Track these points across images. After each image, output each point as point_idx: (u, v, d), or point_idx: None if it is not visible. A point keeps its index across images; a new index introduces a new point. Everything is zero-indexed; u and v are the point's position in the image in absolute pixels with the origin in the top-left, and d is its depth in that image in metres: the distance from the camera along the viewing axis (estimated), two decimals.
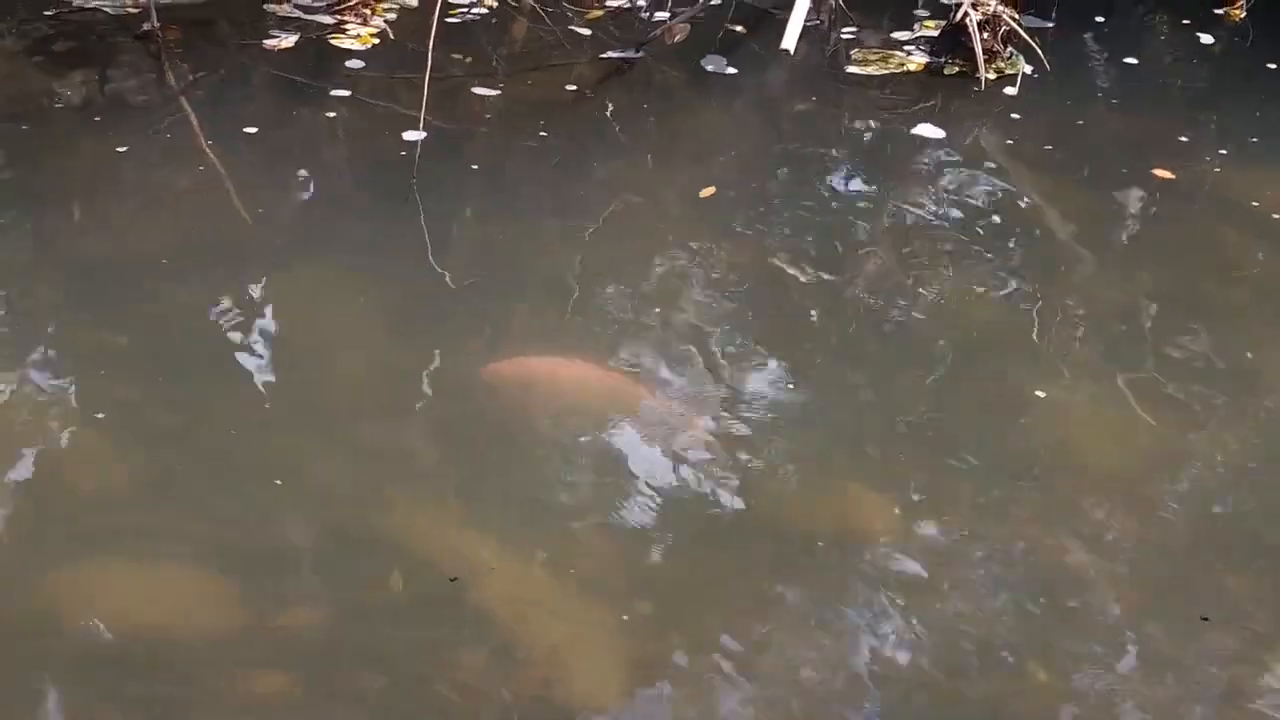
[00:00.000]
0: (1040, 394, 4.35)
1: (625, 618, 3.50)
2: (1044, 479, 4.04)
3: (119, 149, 5.60)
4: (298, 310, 4.73)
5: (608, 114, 6.08)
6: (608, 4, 7.10)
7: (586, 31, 6.85)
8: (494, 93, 6.22)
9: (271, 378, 4.37)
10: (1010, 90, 6.27)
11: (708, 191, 5.44)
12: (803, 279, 4.91)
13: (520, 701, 3.29)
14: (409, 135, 5.59)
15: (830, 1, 6.42)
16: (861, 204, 5.51)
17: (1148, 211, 5.57)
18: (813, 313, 4.82)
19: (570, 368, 4.42)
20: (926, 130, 5.95)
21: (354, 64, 6.40)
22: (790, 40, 5.21)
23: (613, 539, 3.76)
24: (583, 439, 4.12)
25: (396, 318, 4.65)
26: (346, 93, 6.12)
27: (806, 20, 6.13)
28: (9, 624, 3.41)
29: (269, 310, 4.73)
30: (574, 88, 6.32)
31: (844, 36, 6.76)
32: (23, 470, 3.91)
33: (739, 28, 6.89)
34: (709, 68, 6.50)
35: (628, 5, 7.07)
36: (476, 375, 4.34)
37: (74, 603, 3.47)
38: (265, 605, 3.50)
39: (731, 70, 6.55)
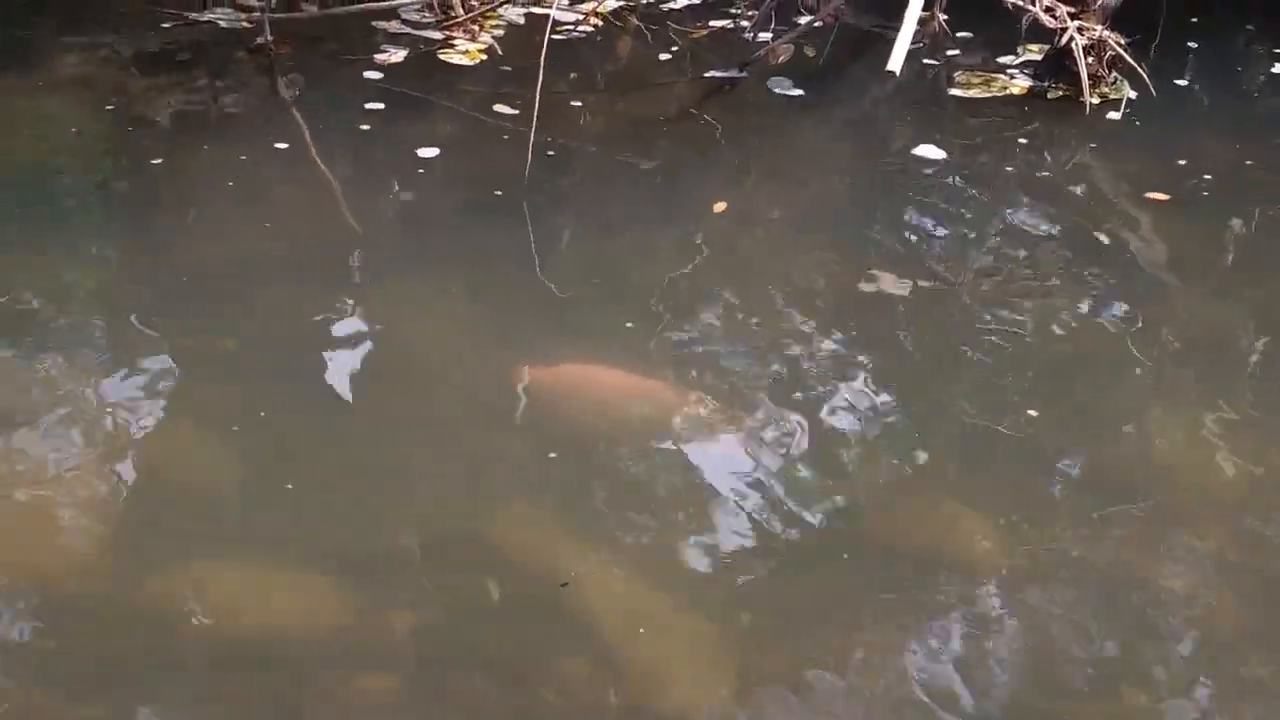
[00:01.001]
0: (1140, 418, 4.34)
1: (724, 629, 3.53)
2: (1143, 502, 4.01)
3: (232, 158, 5.71)
4: (403, 318, 4.79)
5: (710, 132, 6.11)
6: (711, 24, 7.15)
7: (690, 51, 6.91)
8: (598, 109, 6.29)
9: (377, 384, 4.44)
10: (1114, 115, 6.24)
11: (804, 209, 5.47)
12: (900, 298, 4.91)
13: (621, 709, 3.32)
14: (515, 149, 5.65)
15: (934, 25, 6.43)
16: (962, 225, 5.50)
17: (1251, 240, 5.53)
18: (909, 331, 4.82)
19: (608, 375, 4.47)
20: (1028, 153, 5.95)
21: (462, 79, 6.49)
22: (896, 62, 5.24)
23: (710, 550, 3.78)
24: (664, 450, 4.16)
25: (499, 327, 4.71)
26: (454, 106, 6.21)
27: (911, 42, 6.14)
28: (127, 621, 3.48)
29: (376, 317, 4.79)
30: (677, 106, 6.38)
31: (947, 58, 6.77)
32: (138, 471, 3.99)
33: (806, 50, 6.91)
34: (796, 92, 6.54)
35: (731, 26, 7.12)
36: (574, 385, 4.41)
37: (188, 601, 3.54)
38: (373, 607, 3.55)
39: (833, 90, 6.59)
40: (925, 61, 6.62)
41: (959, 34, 6.71)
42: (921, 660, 3.48)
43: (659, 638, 3.53)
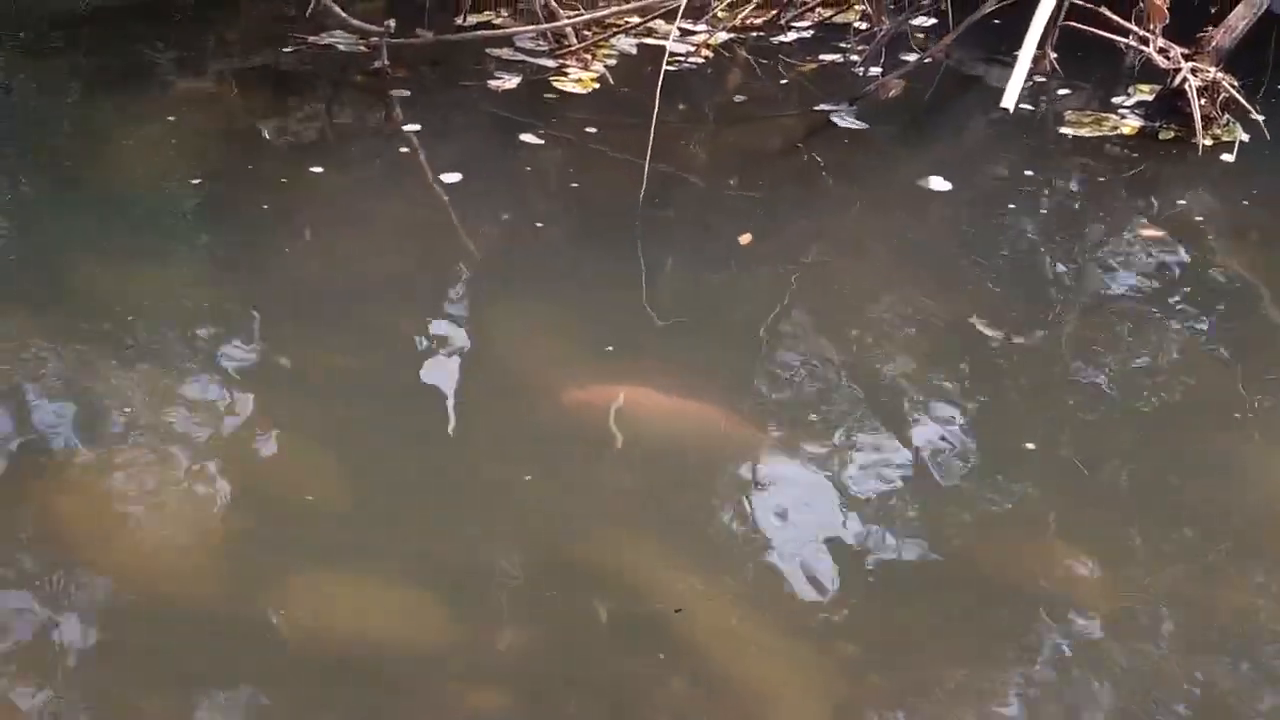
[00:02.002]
0: (1246, 459, 4.31)
1: (826, 657, 3.55)
2: (1247, 544, 3.98)
3: (346, 179, 5.83)
4: (507, 339, 4.86)
5: (817, 166, 6.13)
6: (821, 58, 7.18)
7: (799, 84, 6.94)
8: (707, 140, 6.34)
9: (481, 403, 4.50)
10: (1227, 157, 6.18)
11: (905, 244, 5.49)
12: (1000, 335, 4.92)
13: None
14: (624, 176, 5.69)
15: (1045, 63, 6.42)
16: (1068, 263, 5.49)
17: None
18: (1008, 368, 4.81)
19: (653, 398, 4.51)
20: (1139, 192, 5.92)
21: (574, 107, 6.56)
22: (1010, 98, 5.24)
23: (811, 579, 3.79)
24: (764, 480, 4.19)
25: (603, 351, 4.74)
26: (567, 134, 6.28)
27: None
28: (234, 631, 3.55)
29: (480, 338, 4.86)
30: (783, 139, 6.41)
31: (1057, 96, 6.76)
32: (246, 484, 4.06)
33: (915, 86, 6.92)
34: (903, 128, 6.54)
35: (841, 60, 7.15)
36: (673, 413, 4.45)
37: (294, 613, 3.60)
38: (478, 624, 3.60)
39: (941, 127, 6.60)
40: (1036, 99, 6.60)
41: (1069, 73, 6.69)
42: (1018, 694, 3.47)
43: (763, 663, 3.55)
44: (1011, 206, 5.82)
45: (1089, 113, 6.57)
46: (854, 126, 6.43)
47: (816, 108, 6.65)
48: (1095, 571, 3.87)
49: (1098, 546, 3.93)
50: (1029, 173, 6.10)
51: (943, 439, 4.38)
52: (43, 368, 4.49)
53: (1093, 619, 3.70)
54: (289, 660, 3.48)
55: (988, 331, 4.91)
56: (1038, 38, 5.78)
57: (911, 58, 6.96)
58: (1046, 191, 5.91)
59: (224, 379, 4.51)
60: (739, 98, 6.84)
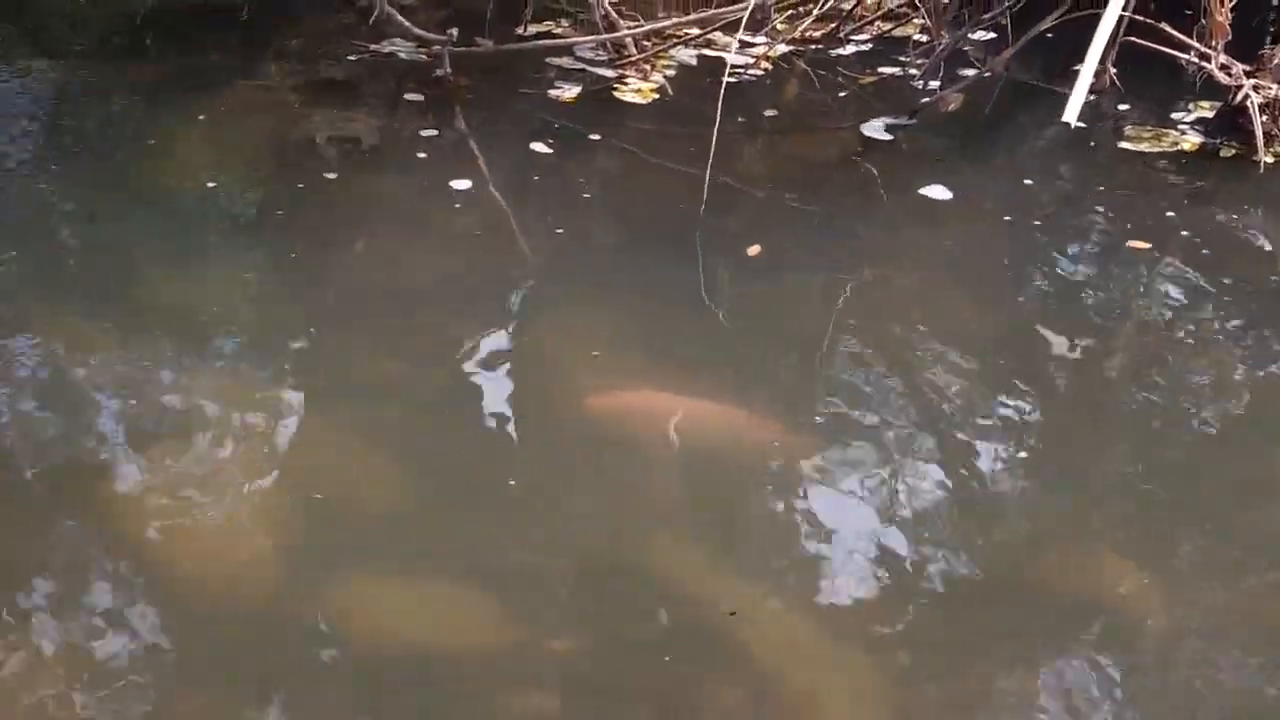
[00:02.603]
0: None
1: (879, 665, 3.57)
2: None
3: (405, 186, 5.87)
4: (563, 346, 4.88)
5: (874, 178, 6.14)
6: (880, 71, 7.19)
7: (857, 97, 6.95)
8: (765, 151, 6.35)
9: (536, 409, 4.55)
10: None
11: (961, 256, 5.49)
12: (1055, 349, 4.90)
13: None
14: (682, 186, 5.73)
15: (1105, 78, 6.40)
16: (1125, 278, 5.47)
17: None
18: (1064, 382, 4.81)
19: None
20: (1199, 208, 5.90)
21: (634, 117, 6.60)
22: (1072, 112, 5.24)
23: (863, 587, 3.82)
24: (817, 487, 4.22)
25: (660, 357, 4.78)
26: (626, 144, 6.31)
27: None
28: (290, 632, 3.60)
29: (536, 345, 4.91)
30: (840, 151, 6.41)
31: (1117, 111, 6.74)
32: (302, 487, 4.11)
33: (974, 101, 6.91)
34: (961, 140, 6.54)
35: (899, 74, 7.15)
36: (728, 418, 4.47)
37: (349, 614, 3.65)
38: (532, 628, 3.63)
39: (999, 140, 6.59)
40: (1095, 114, 6.58)
41: (1128, 89, 6.67)
42: (1068, 706, 3.47)
43: (813, 670, 3.57)
44: (1070, 220, 5.81)
45: (1148, 128, 6.54)
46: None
47: (875, 120, 6.66)
48: (1148, 585, 3.87)
49: (1150, 560, 3.94)
50: (1088, 187, 6.08)
51: (996, 450, 4.39)
52: (102, 368, 4.56)
53: (1146, 633, 3.71)
54: (342, 661, 3.53)
55: (1042, 345, 4.92)
56: (1100, 52, 5.77)
57: (970, 72, 6.97)
58: (1105, 206, 5.88)
59: (281, 383, 4.58)
60: (797, 110, 6.85)
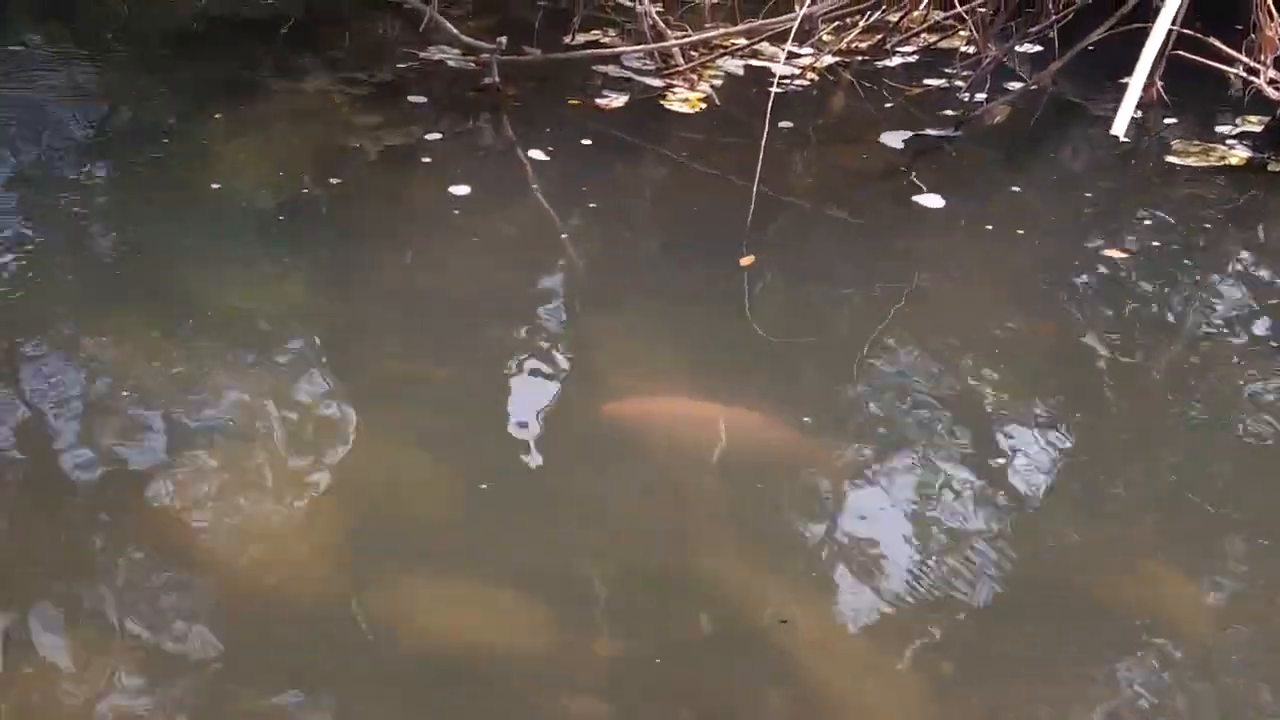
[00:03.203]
0: None
1: (925, 675, 3.58)
2: None
3: (452, 193, 5.91)
4: (611, 355, 4.91)
5: (918, 190, 6.15)
6: (926, 83, 7.20)
7: (903, 109, 6.96)
8: (810, 162, 6.37)
9: (582, 416, 4.56)
10: None
11: (1007, 270, 5.49)
12: (1102, 362, 4.90)
13: None
14: (729, 196, 5.73)
15: (1152, 92, 6.40)
16: (1172, 292, 5.46)
17: None
18: (1109, 396, 4.80)
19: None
20: (1246, 223, 5.89)
21: (681, 126, 6.62)
22: (1121, 125, 5.25)
23: (910, 597, 3.81)
24: (860, 496, 4.21)
25: (705, 366, 4.80)
26: (673, 153, 6.34)
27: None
28: (340, 632, 3.62)
29: (582, 352, 4.92)
30: (886, 162, 6.42)
31: (1164, 125, 6.73)
32: (352, 490, 4.15)
33: (1019, 113, 6.91)
34: (1007, 153, 6.54)
35: (945, 85, 7.16)
36: (772, 426, 4.48)
37: (399, 616, 3.68)
38: (580, 632, 3.66)
39: (1045, 154, 6.59)
40: (1141, 128, 6.58)
41: (1175, 103, 6.66)
42: (1116, 718, 3.48)
43: (858, 678, 3.59)
44: (1116, 234, 5.80)
45: (1196, 143, 6.54)
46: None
47: (920, 132, 6.67)
48: (1194, 597, 3.86)
49: (1198, 572, 3.93)
50: (1135, 201, 6.08)
51: (1040, 461, 4.39)
52: (151, 371, 4.58)
53: (1191, 644, 3.69)
54: (390, 662, 3.54)
55: (1087, 357, 4.92)
56: (1149, 66, 5.77)
57: (1016, 85, 6.97)
58: (1151, 220, 5.88)
59: (328, 386, 4.60)
60: (843, 120, 6.87)
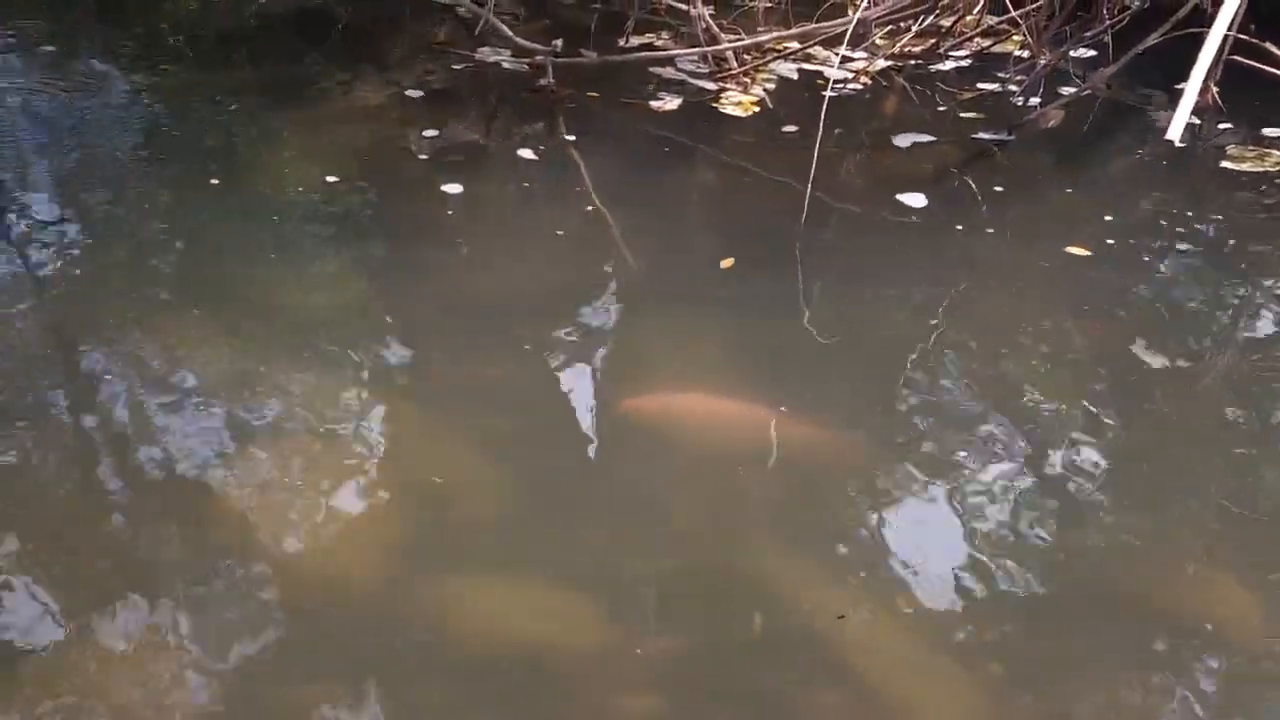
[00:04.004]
0: None
1: (978, 676, 3.59)
2: None
3: (507, 194, 5.94)
4: (661, 356, 4.92)
5: (971, 193, 6.15)
6: (979, 87, 7.20)
7: (956, 112, 6.97)
8: (863, 165, 6.37)
9: (634, 416, 4.57)
10: None
11: (1058, 273, 5.48)
12: (1153, 369, 4.88)
13: None
14: (781, 199, 5.77)
15: (1208, 97, 6.39)
16: (1227, 300, 5.44)
17: None
18: (1161, 403, 4.78)
19: (712, 403, 4.57)
20: None
21: (734, 129, 6.65)
22: (1176, 130, 5.23)
23: (964, 598, 3.83)
24: (914, 499, 4.22)
25: (755, 367, 4.82)
26: (726, 155, 6.36)
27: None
28: (398, 628, 3.66)
29: (636, 353, 4.96)
30: (937, 165, 6.43)
31: (1218, 130, 6.71)
32: (408, 488, 4.17)
33: (1072, 117, 6.89)
34: (1061, 157, 6.52)
35: (999, 89, 7.16)
36: (813, 434, 4.49)
37: (456, 612, 3.72)
38: (635, 629, 3.68)
39: (1099, 158, 6.58)
40: (1196, 133, 6.56)
41: (1230, 108, 6.64)
42: None
43: (910, 679, 3.60)
44: (1170, 240, 5.78)
45: (1251, 148, 6.52)
46: (1015, 156, 6.42)
47: (973, 136, 6.67)
48: (1247, 603, 3.86)
49: (1251, 579, 3.92)
50: (1189, 206, 6.06)
51: (1090, 465, 4.39)
52: (209, 368, 4.63)
53: (1243, 650, 3.69)
54: (446, 658, 3.58)
55: (1138, 363, 4.90)
56: (1205, 70, 5.75)
57: (1070, 89, 6.96)
58: (1206, 226, 5.86)
59: (381, 385, 4.64)
60: (896, 124, 6.87)
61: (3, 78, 7.04)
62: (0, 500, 4.02)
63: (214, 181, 5.93)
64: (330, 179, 5.98)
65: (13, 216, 5.60)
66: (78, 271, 5.21)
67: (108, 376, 4.58)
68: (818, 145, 5.60)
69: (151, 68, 7.32)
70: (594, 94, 6.94)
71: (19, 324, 4.85)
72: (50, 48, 7.49)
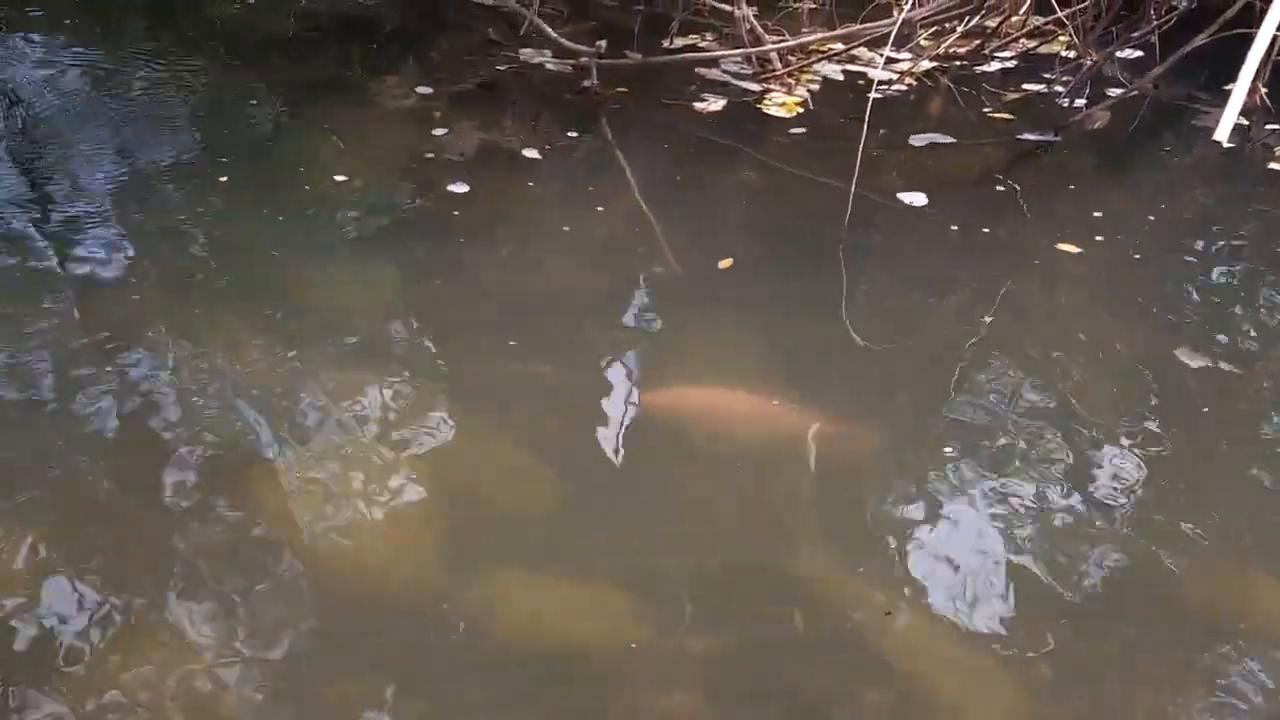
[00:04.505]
0: None
1: (1023, 677, 3.58)
2: None
3: (551, 194, 5.96)
4: (703, 354, 4.93)
5: (1016, 195, 6.13)
6: (1024, 88, 7.17)
7: (1001, 114, 6.95)
8: (907, 166, 6.35)
9: (679, 416, 4.58)
10: None
11: (1104, 277, 5.47)
12: (1198, 372, 4.85)
13: None
14: (824, 200, 5.77)
15: (1256, 97, 6.35)
16: (1272, 299, 5.41)
17: None
18: (1206, 406, 4.75)
19: (731, 399, 4.58)
20: None
21: (778, 130, 6.65)
22: (1223, 131, 5.20)
23: (1009, 600, 3.82)
24: (957, 500, 4.21)
25: (794, 368, 4.82)
26: (770, 156, 6.36)
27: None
28: (442, 624, 3.68)
29: (680, 353, 4.94)
30: (983, 167, 6.41)
31: (1265, 130, 6.67)
32: (454, 484, 4.19)
33: (1119, 118, 6.86)
34: (1106, 159, 6.49)
35: (1044, 90, 7.13)
36: (859, 428, 4.49)
37: (499, 608, 3.73)
38: (676, 628, 3.69)
39: (1146, 159, 6.55)
40: (1243, 134, 6.52)
41: (1278, 108, 6.61)
42: None
43: (954, 679, 3.59)
44: (1216, 242, 5.76)
45: None
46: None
47: (1018, 137, 6.65)
48: None
49: None
50: (1236, 208, 6.03)
51: (1135, 467, 4.37)
52: (253, 367, 4.66)
53: None
54: (491, 654, 3.60)
55: (1182, 366, 4.88)
56: (1253, 71, 5.71)
57: (1116, 90, 6.93)
58: (1254, 228, 5.83)
59: (426, 383, 4.65)
60: (940, 125, 6.86)
61: (46, 75, 7.10)
62: (40, 495, 4.06)
63: (254, 182, 5.98)
64: (368, 178, 6.02)
65: (52, 212, 5.65)
66: (112, 268, 5.24)
67: (149, 375, 4.61)
68: (861, 146, 5.59)
69: (200, 67, 7.36)
70: (638, 95, 6.95)
71: (57, 320, 4.88)
72: (94, 47, 7.56)
